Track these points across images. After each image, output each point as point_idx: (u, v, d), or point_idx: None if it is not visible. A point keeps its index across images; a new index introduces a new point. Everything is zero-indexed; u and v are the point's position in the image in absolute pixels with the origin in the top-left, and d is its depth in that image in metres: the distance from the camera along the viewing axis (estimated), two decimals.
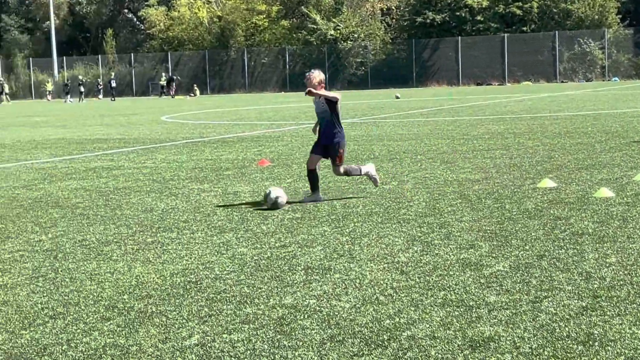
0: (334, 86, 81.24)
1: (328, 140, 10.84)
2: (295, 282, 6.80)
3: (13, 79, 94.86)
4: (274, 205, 10.46)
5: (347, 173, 11.05)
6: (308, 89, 10.61)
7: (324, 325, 5.60)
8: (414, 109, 36.25)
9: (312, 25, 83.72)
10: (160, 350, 5.22)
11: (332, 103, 10.71)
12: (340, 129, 10.87)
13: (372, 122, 28.10)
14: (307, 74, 10.84)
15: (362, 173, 11.15)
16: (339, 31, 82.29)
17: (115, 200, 11.79)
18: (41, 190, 13.25)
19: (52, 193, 12.82)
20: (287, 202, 10.65)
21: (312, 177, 10.96)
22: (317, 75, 10.70)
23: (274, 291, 6.53)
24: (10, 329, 5.77)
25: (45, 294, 6.70)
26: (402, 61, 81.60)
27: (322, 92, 10.65)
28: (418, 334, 5.33)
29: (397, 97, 49.99)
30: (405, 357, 4.95)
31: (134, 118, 37.49)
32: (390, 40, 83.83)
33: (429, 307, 5.91)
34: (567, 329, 5.34)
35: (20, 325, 5.87)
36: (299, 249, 8.05)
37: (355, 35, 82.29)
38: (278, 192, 10.55)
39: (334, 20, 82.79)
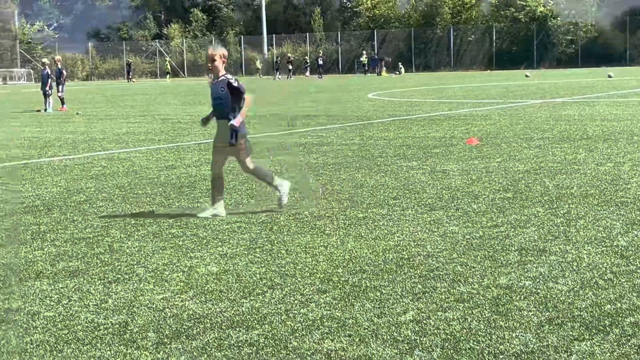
0: (541, 64, 79.36)
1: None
2: (509, 262, 6.69)
3: None
4: None
5: (255, 172, 9.57)
6: None
7: (541, 307, 5.48)
8: (628, 88, 34.85)
9: (521, 2, 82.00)
10: (376, 325, 5.27)
11: (237, 90, 9.38)
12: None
13: (584, 101, 27.23)
14: (208, 48, 9.58)
15: (273, 184, 9.59)
16: (548, 8, 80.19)
17: (326, 176, 11.98)
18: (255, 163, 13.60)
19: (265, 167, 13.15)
20: None
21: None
22: (221, 49, 9.56)
23: (487, 271, 6.45)
24: (232, 297, 5.98)
25: (262, 265, 6.90)
26: (614, 39, 78.63)
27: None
28: None
29: (610, 76, 48.23)
30: (629, 344, 4.77)
31: (341, 95, 37.96)
32: (602, 17, 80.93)
33: None
34: None
35: (241, 294, 6.07)
36: (512, 229, 7.91)
37: (566, 12, 79.92)
38: None
39: None
